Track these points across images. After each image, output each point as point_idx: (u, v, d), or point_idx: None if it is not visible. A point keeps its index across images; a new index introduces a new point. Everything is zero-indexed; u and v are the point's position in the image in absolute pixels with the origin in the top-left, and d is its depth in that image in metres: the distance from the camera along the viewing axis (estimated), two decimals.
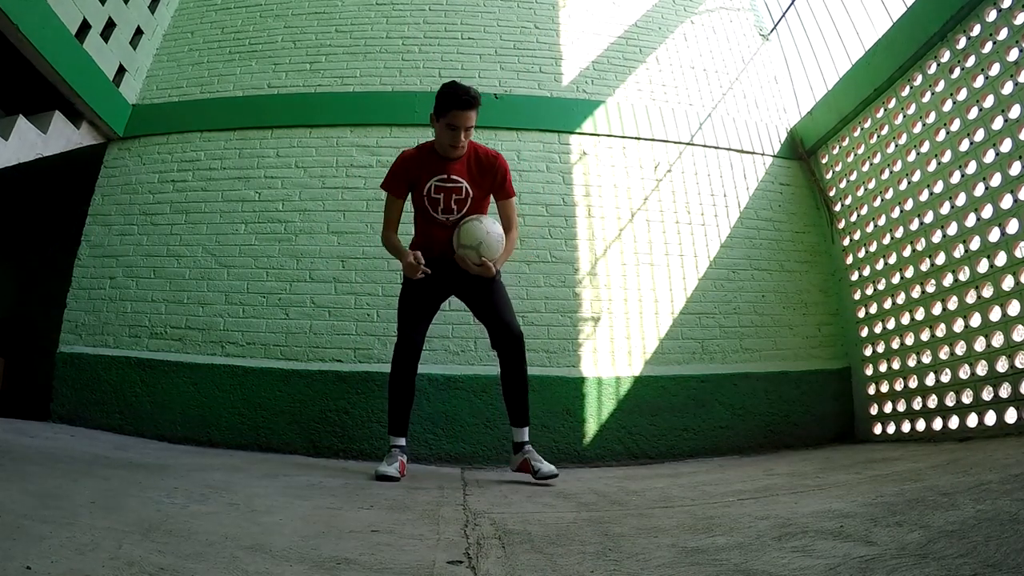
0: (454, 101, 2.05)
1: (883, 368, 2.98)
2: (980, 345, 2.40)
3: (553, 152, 3.37)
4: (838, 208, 3.40)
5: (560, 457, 2.76)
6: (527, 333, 2.88)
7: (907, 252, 2.87)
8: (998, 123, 2.39)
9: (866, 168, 3.19)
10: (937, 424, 2.57)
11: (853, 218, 3.28)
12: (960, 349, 2.50)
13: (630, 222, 3.28)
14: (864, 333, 3.15)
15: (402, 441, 2.16)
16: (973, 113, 2.53)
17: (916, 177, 2.84)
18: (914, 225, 2.84)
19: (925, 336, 2.72)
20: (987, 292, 2.39)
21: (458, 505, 1.53)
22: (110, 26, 3.26)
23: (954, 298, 2.56)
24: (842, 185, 3.37)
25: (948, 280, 2.60)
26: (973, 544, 0.83)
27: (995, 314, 2.34)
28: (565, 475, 2.33)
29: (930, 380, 2.65)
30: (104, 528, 0.99)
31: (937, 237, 2.69)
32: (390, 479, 1.96)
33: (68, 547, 0.86)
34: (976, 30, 2.53)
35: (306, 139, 3.36)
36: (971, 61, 2.56)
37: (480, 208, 2.25)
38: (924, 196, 2.78)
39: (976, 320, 2.43)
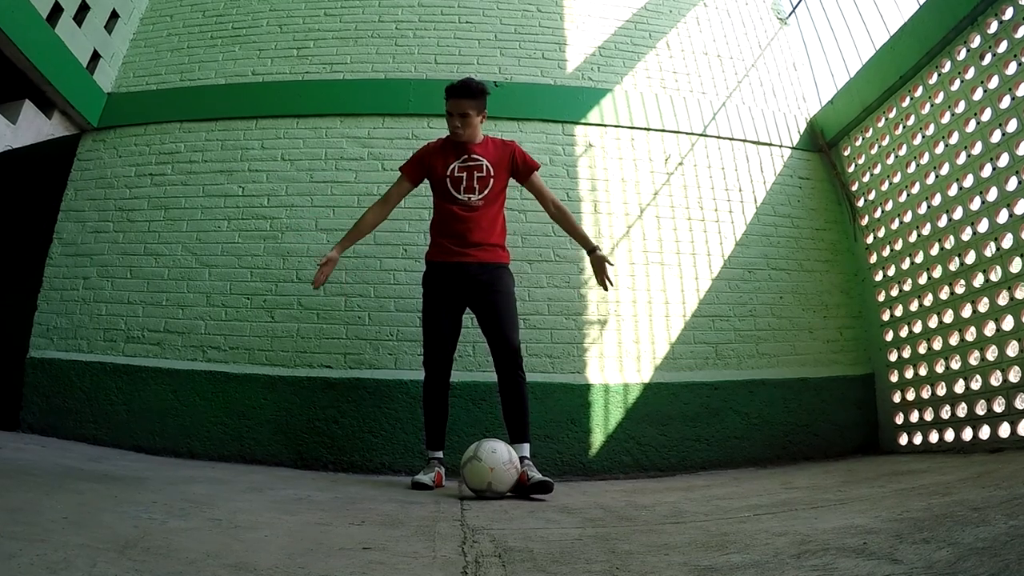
0: (447, 91, 2.38)
1: (909, 374, 2.98)
2: (1013, 350, 2.40)
3: (557, 144, 3.37)
4: (861, 203, 3.40)
5: (565, 470, 2.76)
6: (529, 337, 2.90)
7: (934, 250, 2.87)
8: None
9: (891, 161, 3.19)
10: (967, 434, 2.57)
11: (877, 214, 3.28)
12: (991, 354, 2.50)
13: (639, 218, 3.28)
14: (889, 337, 3.15)
15: (439, 454, 2.36)
16: (1005, 102, 2.53)
17: (944, 170, 2.84)
18: (942, 222, 2.84)
19: (954, 340, 2.72)
20: (1020, 293, 2.39)
21: (455, 520, 1.53)
22: (84, 9, 3.26)
23: (985, 299, 2.56)
24: (865, 179, 3.38)
25: (978, 280, 2.60)
26: (1005, 562, 0.83)
27: None
28: (570, 489, 2.34)
29: (959, 387, 2.65)
30: (77, 545, 1.00)
31: (967, 234, 2.69)
32: (424, 487, 2.16)
33: (39, 565, 0.86)
34: (1008, 13, 2.53)
35: (293, 130, 3.37)
36: (1003, 47, 2.55)
37: (501, 195, 2.45)
38: (952, 191, 2.78)
39: (1008, 323, 2.43)
